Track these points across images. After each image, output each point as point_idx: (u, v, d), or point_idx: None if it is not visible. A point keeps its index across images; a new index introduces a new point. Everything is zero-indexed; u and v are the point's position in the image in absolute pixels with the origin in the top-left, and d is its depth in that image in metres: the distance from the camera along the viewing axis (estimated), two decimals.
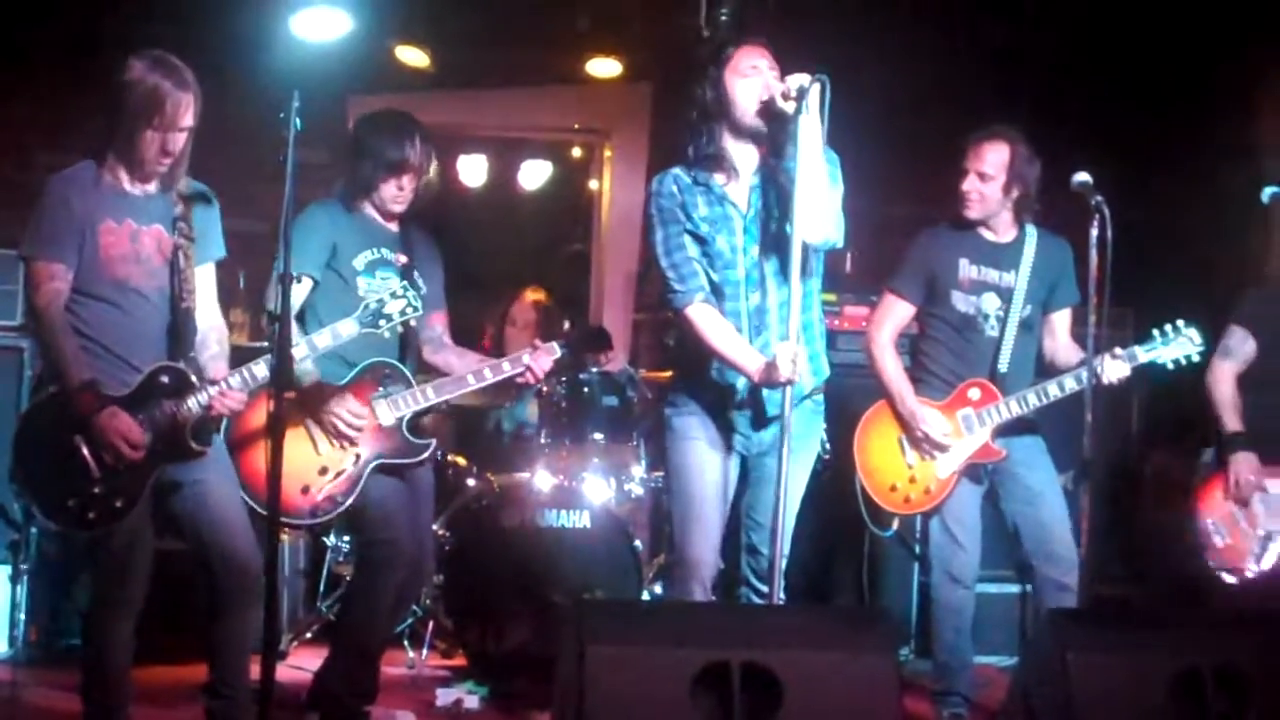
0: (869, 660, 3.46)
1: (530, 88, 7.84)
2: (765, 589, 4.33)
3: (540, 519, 5.72)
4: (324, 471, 4.71)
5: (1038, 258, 5.11)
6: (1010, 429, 5.07)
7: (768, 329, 4.36)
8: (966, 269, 5.13)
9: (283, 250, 3.81)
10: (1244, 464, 5.33)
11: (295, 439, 4.56)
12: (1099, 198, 4.49)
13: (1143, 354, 4.90)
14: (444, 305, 5.11)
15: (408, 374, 4.84)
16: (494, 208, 9.46)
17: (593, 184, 8.89)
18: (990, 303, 5.11)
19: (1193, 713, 3.52)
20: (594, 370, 6.16)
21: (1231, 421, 5.36)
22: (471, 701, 5.43)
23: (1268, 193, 5.42)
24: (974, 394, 5.08)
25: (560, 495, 5.83)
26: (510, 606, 5.61)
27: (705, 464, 4.44)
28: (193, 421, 4.18)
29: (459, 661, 5.96)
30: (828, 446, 5.12)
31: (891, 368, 5.16)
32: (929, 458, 5.09)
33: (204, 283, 4.36)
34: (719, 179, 4.41)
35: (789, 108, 4.19)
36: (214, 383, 4.20)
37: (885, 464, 5.15)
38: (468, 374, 4.88)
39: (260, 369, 4.21)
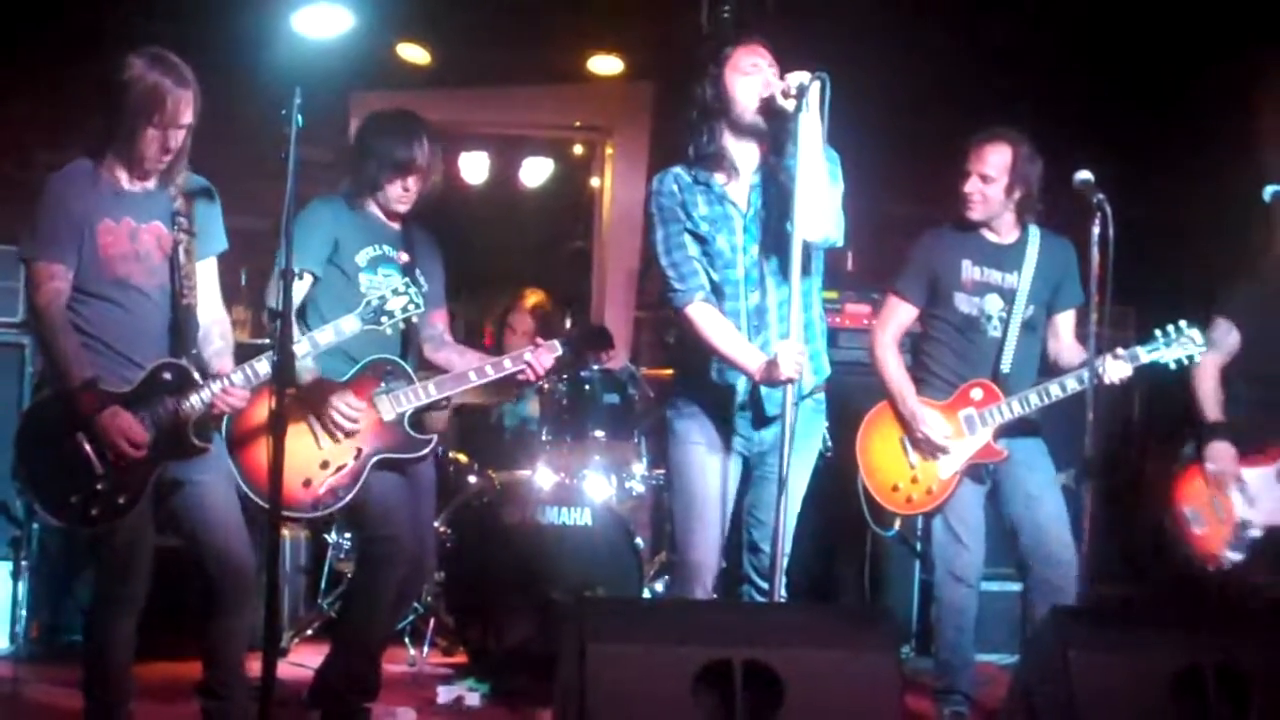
0: (870, 658, 3.46)
1: (532, 85, 7.84)
2: (767, 587, 4.33)
3: (541, 516, 5.72)
4: (325, 465, 4.71)
5: (1041, 258, 5.11)
6: (1011, 430, 5.07)
7: (767, 328, 4.36)
8: (969, 270, 5.13)
9: (284, 247, 3.81)
10: (1221, 453, 5.34)
11: (297, 433, 4.57)
12: (1101, 196, 4.49)
13: (1144, 354, 4.90)
14: (444, 304, 5.12)
15: (409, 370, 4.85)
16: (495, 205, 9.45)
17: (594, 181, 8.89)
18: (993, 303, 5.11)
19: (1194, 711, 3.52)
20: (595, 368, 6.16)
21: (1211, 411, 5.36)
22: (472, 699, 5.44)
23: (1269, 191, 5.40)
24: (976, 394, 5.08)
25: (561, 492, 5.83)
26: (511, 604, 5.61)
27: (706, 467, 4.44)
28: (195, 418, 4.18)
29: (460, 659, 5.97)
30: (829, 445, 5.12)
31: (894, 368, 5.17)
32: (930, 458, 5.09)
33: (206, 277, 4.35)
34: (719, 178, 4.41)
35: (789, 105, 4.19)
36: (217, 379, 4.20)
37: (887, 464, 5.15)
38: (469, 370, 4.88)
39: (263, 366, 4.21)
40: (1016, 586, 6.04)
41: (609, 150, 8.39)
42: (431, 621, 6.08)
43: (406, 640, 6.04)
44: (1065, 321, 5.20)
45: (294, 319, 4.19)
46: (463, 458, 6.46)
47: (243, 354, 4.35)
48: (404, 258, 4.89)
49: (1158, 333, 4.94)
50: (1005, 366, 5.07)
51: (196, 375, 4.20)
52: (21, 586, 5.83)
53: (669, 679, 3.31)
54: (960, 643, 5.16)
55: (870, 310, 6.47)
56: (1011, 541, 5.13)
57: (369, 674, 4.90)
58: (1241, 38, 6.56)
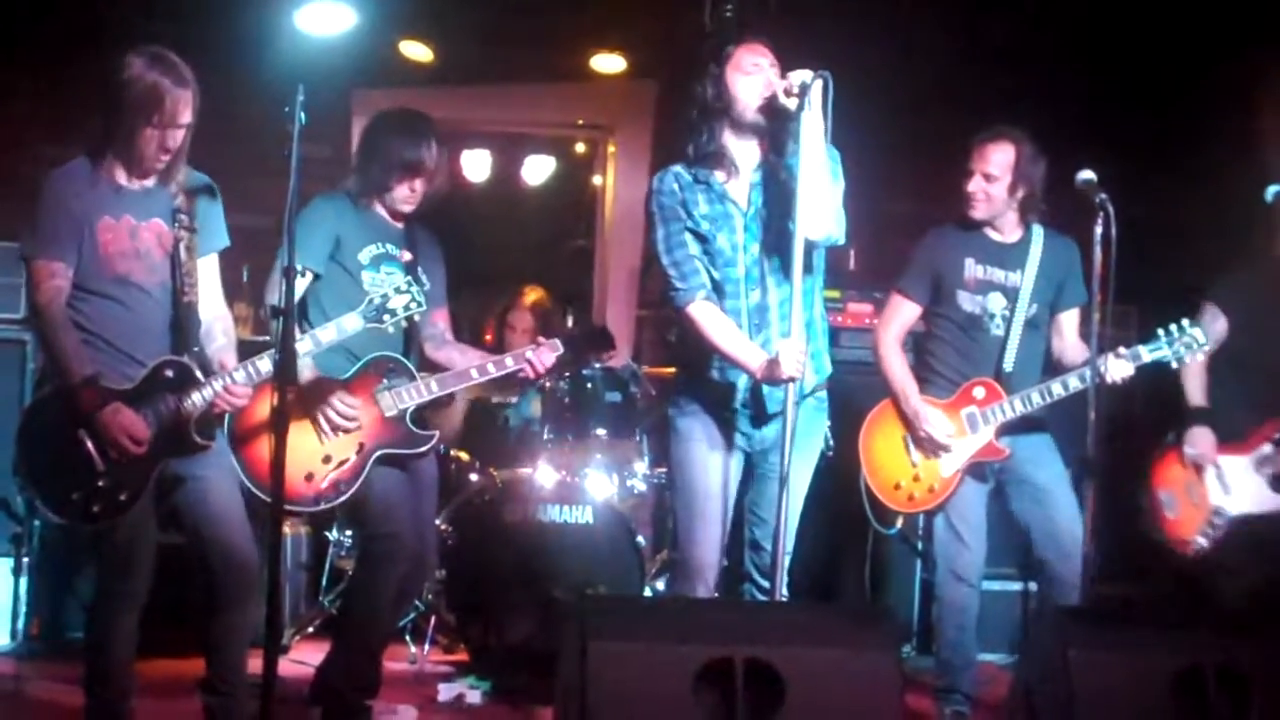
0: (871, 657, 3.47)
1: (534, 83, 7.83)
2: (768, 585, 4.33)
3: (543, 514, 5.72)
4: (328, 459, 4.72)
5: (1044, 257, 5.11)
6: (1017, 427, 5.07)
7: (768, 326, 4.37)
8: (972, 269, 5.13)
9: (286, 244, 3.81)
10: (1199, 438, 5.35)
11: (300, 427, 4.59)
12: (1103, 196, 4.49)
13: (1146, 354, 4.89)
14: (446, 303, 5.12)
15: (411, 367, 4.85)
16: (497, 203, 9.46)
17: (596, 180, 8.89)
18: (996, 302, 5.11)
19: (1194, 711, 3.52)
20: (597, 366, 6.17)
21: (1194, 396, 5.37)
22: (473, 696, 5.45)
23: (1271, 191, 5.40)
24: (979, 393, 5.08)
25: (563, 491, 5.83)
26: (513, 602, 5.61)
27: (708, 464, 4.44)
28: (196, 416, 4.19)
29: (461, 656, 5.98)
30: (831, 443, 5.13)
31: (896, 367, 5.17)
32: (933, 456, 5.09)
33: (208, 274, 4.35)
34: (719, 176, 4.41)
35: (791, 104, 4.19)
36: (219, 376, 4.20)
37: (890, 462, 5.15)
38: (470, 368, 4.89)
39: (264, 363, 4.21)
40: (1016, 586, 6.07)
41: (611, 148, 8.39)
42: (433, 619, 6.08)
43: (408, 638, 6.04)
44: (1069, 320, 5.20)
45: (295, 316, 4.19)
46: (464, 455, 6.46)
47: (244, 351, 4.35)
48: (406, 256, 4.90)
49: (1160, 332, 4.94)
50: (1008, 365, 5.07)
51: (198, 373, 4.20)
52: (23, 583, 5.83)
53: (670, 677, 3.32)
54: (961, 642, 5.17)
55: (872, 309, 6.47)
56: (1026, 540, 5.12)
57: (370, 671, 4.90)
58: (1243, 38, 6.56)
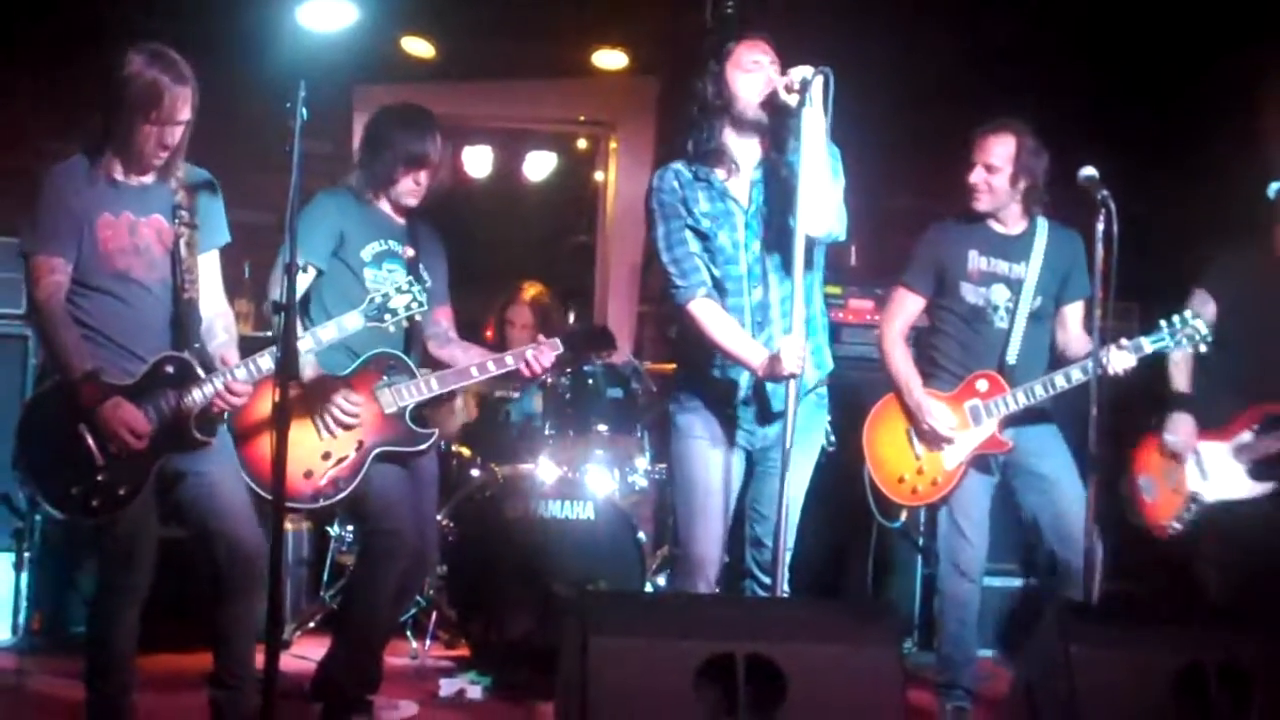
0: (873, 653, 3.47)
1: (536, 79, 7.84)
2: (769, 581, 4.33)
3: (544, 510, 5.72)
4: (327, 457, 4.72)
5: (1049, 249, 5.11)
6: (1022, 419, 5.07)
7: (770, 324, 4.37)
8: (975, 261, 5.13)
9: (288, 240, 3.81)
10: (1179, 424, 5.36)
11: (300, 425, 4.60)
12: (1105, 192, 4.48)
13: (1149, 345, 4.89)
14: (449, 300, 5.12)
15: (411, 365, 4.85)
16: (498, 199, 9.46)
17: (598, 176, 8.89)
18: (999, 294, 5.11)
19: (1196, 709, 3.52)
20: (598, 362, 6.16)
21: (1179, 382, 5.38)
22: (474, 692, 5.45)
23: (1273, 188, 5.40)
24: (982, 385, 5.08)
25: (564, 486, 5.83)
26: (513, 597, 5.62)
27: (709, 461, 4.44)
28: (197, 412, 4.19)
29: (462, 652, 5.98)
30: (832, 439, 5.13)
31: (900, 360, 5.17)
32: (936, 450, 5.09)
33: (208, 270, 4.35)
34: (720, 174, 4.41)
35: (792, 101, 4.19)
36: (219, 373, 4.19)
37: (893, 456, 5.16)
38: (471, 366, 4.89)
39: (265, 361, 4.21)
40: (1005, 581, 6.09)
41: (613, 145, 8.39)
42: (433, 615, 6.09)
43: (408, 633, 6.05)
44: (1074, 313, 5.18)
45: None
46: (465, 451, 6.46)
47: (246, 347, 4.35)
48: (409, 253, 4.90)
49: (1162, 323, 4.93)
50: (1011, 358, 5.07)
51: (199, 369, 4.20)
52: (24, 578, 5.83)
53: (671, 673, 3.32)
54: (963, 637, 5.16)
55: (873, 305, 6.47)
56: (1034, 534, 5.12)
57: (371, 667, 4.90)
58: (1245, 34, 6.56)
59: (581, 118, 8.56)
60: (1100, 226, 4.47)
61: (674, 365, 4.98)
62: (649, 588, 5.80)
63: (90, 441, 4.06)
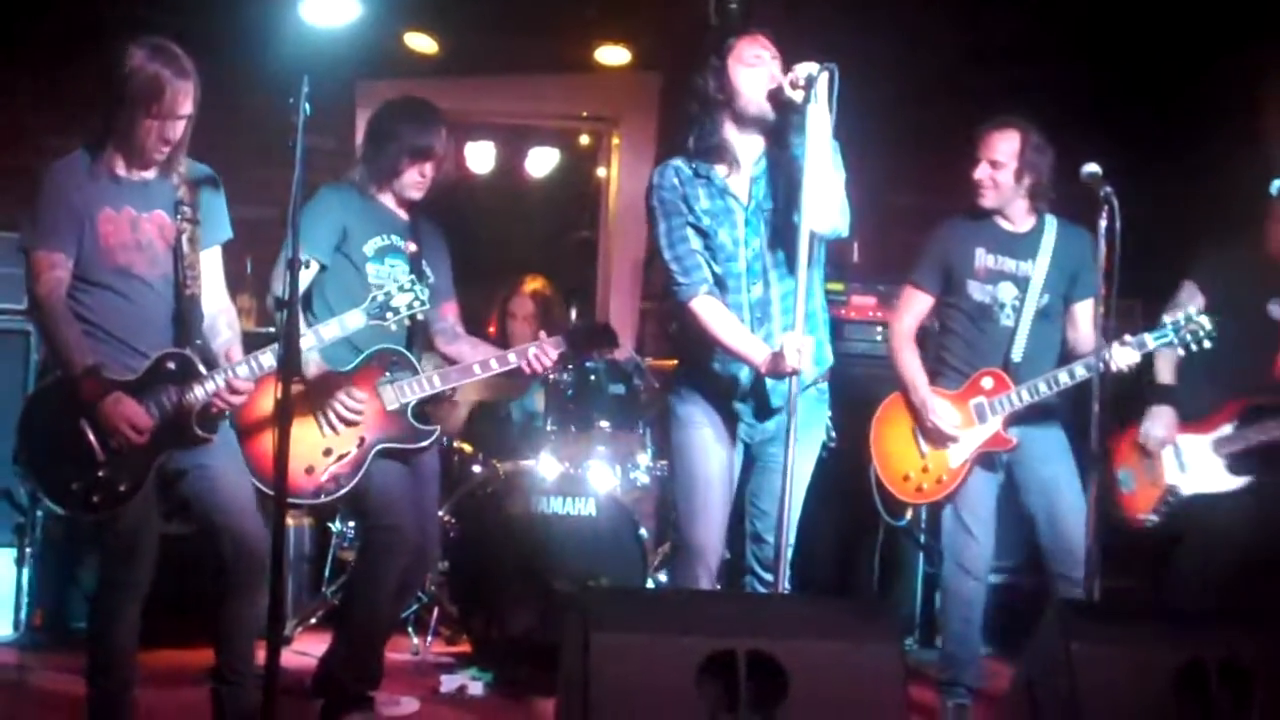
0: (875, 649, 3.46)
1: (539, 75, 7.83)
2: (770, 578, 4.33)
3: (545, 506, 5.72)
4: (328, 453, 4.72)
5: (1058, 248, 5.10)
6: (1030, 421, 5.06)
7: (770, 320, 4.37)
8: (983, 258, 5.13)
9: (291, 236, 3.81)
10: (1158, 417, 5.40)
11: (301, 420, 4.62)
12: (1108, 189, 4.48)
13: (1152, 341, 4.89)
14: (454, 295, 5.12)
15: (414, 361, 4.86)
16: (501, 195, 9.45)
17: (600, 172, 8.88)
18: (1006, 292, 5.10)
19: (1196, 706, 3.52)
20: (600, 358, 6.16)
21: (1164, 374, 5.39)
22: (475, 688, 5.45)
23: (1276, 185, 5.41)
24: (987, 383, 5.08)
25: (566, 483, 5.83)
26: (515, 593, 5.62)
27: (709, 449, 4.45)
28: (198, 409, 4.19)
29: (463, 648, 5.98)
30: (833, 434, 5.13)
31: (907, 359, 5.18)
32: (941, 447, 5.09)
33: (211, 266, 4.35)
34: (720, 170, 4.40)
35: (797, 97, 4.18)
36: (221, 370, 4.19)
37: (899, 454, 5.16)
38: (474, 364, 4.90)
39: (267, 358, 4.21)
40: (1017, 579, 6.08)
41: (615, 140, 8.38)
42: (435, 611, 6.09)
43: (410, 629, 6.05)
44: (1083, 311, 5.13)
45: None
46: (467, 447, 6.46)
47: (248, 343, 4.35)
48: (411, 248, 4.90)
49: (1166, 320, 4.94)
50: (1016, 356, 5.07)
51: (201, 366, 4.20)
52: (26, 573, 5.83)
53: (673, 669, 3.31)
54: (967, 636, 5.16)
55: (876, 301, 6.47)
56: (1030, 533, 5.13)
57: (372, 663, 4.90)
58: (1248, 32, 6.55)
59: (584, 113, 8.55)
60: (1103, 223, 4.46)
61: (675, 361, 4.97)
62: (651, 584, 5.80)
63: (91, 437, 4.06)
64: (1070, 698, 3.50)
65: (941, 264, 5.19)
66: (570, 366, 6.02)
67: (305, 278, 4.67)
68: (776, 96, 4.27)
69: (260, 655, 3.92)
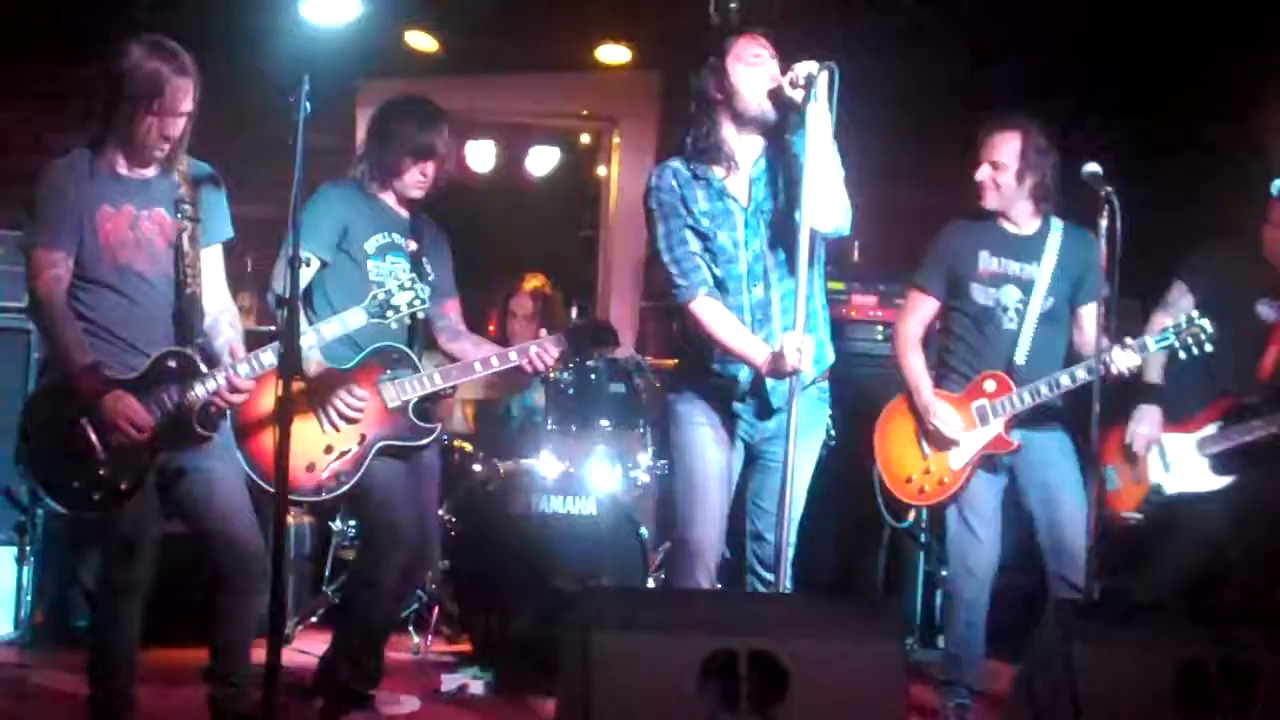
0: (875, 649, 3.47)
1: (539, 74, 7.83)
2: (771, 577, 4.33)
3: (546, 505, 5.72)
4: (329, 450, 4.72)
5: (1063, 251, 5.07)
6: (1033, 424, 5.05)
7: (771, 321, 4.37)
8: (986, 261, 5.11)
9: (292, 234, 3.81)
10: (1144, 416, 5.41)
11: (302, 418, 4.62)
12: (1109, 189, 4.47)
13: (1153, 344, 4.89)
14: (456, 293, 5.12)
15: (414, 359, 4.86)
16: (502, 193, 9.45)
17: (601, 171, 8.88)
18: (1010, 295, 5.08)
19: (1197, 705, 3.52)
20: (601, 357, 6.16)
21: (1151, 374, 5.38)
22: (476, 687, 5.45)
23: (1277, 185, 5.40)
24: (989, 386, 5.07)
25: (566, 482, 5.83)
26: (515, 592, 5.61)
27: (708, 447, 4.44)
28: (199, 407, 4.19)
29: (464, 647, 5.98)
30: (833, 433, 5.13)
31: (912, 362, 5.17)
32: (943, 450, 5.09)
33: (212, 265, 4.35)
34: (718, 171, 4.40)
35: (798, 96, 4.18)
36: (222, 368, 4.19)
37: (902, 455, 5.16)
38: (475, 361, 4.90)
39: (268, 356, 4.21)
40: (1018, 579, 6.07)
41: (616, 139, 8.39)
42: (435, 609, 6.09)
43: (410, 628, 6.05)
44: (1089, 315, 5.08)
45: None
46: (468, 446, 6.46)
47: (249, 341, 4.35)
48: (412, 245, 4.90)
49: (1166, 321, 4.93)
50: (1019, 358, 5.05)
51: (201, 364, 4.20)
52: (26, 572, 5.83)
53: (673, 668, 3.32)
54: (970, 638, 5.13)
55: (877, 301, 6.47)
56: (1030, 536, 5.12)
57: (372, 661, 4.90)
58: (1249, 32, 6.55)
59: (584, 112, 8.56)
60: (1104, 223, 4.46)
61: (675, 360, 4.97)
62: (651, 583, 5.80)
63: (92, 435, 4.06)
64: (1071, 697, 3.51)
65: (945, 267, 5.17)
66: (571, 365, 6.02)
67: (306, 275, 4.67)
68: (776, 96, 4.27)
69: (260, 654, 3.92)
